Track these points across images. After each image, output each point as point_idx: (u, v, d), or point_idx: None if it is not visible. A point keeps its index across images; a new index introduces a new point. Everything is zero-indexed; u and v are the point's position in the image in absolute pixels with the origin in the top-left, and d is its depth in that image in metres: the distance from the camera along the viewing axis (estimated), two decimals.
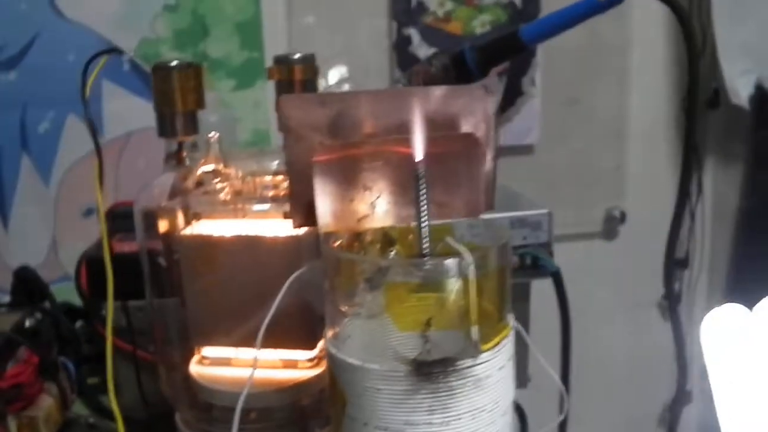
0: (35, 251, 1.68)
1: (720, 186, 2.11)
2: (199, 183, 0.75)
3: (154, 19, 1.65)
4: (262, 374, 0.74)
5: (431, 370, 0.47)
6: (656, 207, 2.01)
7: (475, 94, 0.56)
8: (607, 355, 2.13)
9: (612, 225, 2.07)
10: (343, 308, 0.52)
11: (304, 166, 0.54)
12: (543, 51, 1.88)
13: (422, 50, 1.79)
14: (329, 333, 0.54)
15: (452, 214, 0.54)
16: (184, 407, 0.80)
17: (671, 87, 2.04)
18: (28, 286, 1.26)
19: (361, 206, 0.54)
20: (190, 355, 0.81)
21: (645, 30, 1.97)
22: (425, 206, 0.49)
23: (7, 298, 1.23)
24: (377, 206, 0.54)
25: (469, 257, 0.45)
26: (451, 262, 0.46)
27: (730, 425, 0.35)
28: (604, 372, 2.13)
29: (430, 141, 0.51)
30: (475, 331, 0.47)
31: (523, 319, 1.17)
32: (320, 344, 0.77)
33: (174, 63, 0.75)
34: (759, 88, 1.87)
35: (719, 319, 0.37)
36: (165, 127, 0.76)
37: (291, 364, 0.77)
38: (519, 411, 1.20)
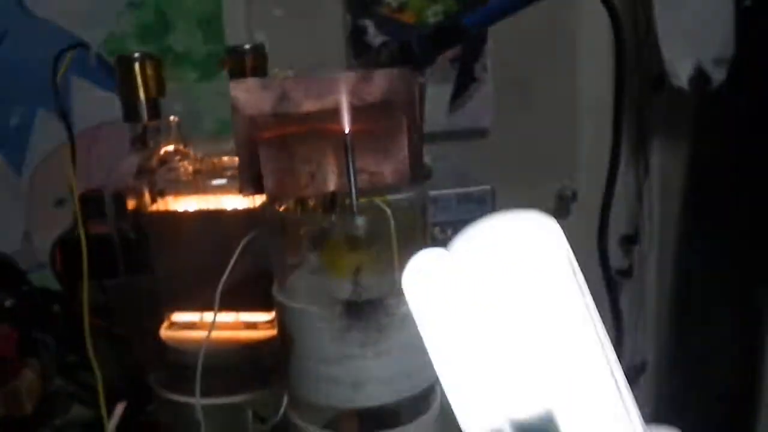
0: (9, 242, 1.73)
1: (667, 163, 2.19)
2: (163, 162, 0.83)
3: (118, 15, 1.71)
4: (225, 335, 0.82)
5: (361, 310, 0.55)
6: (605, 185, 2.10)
7: (401, 76, 0.64)
8: None
9: (564, 204, 2.15)
10: (289, 262, 0.60)
11: (250, 142, 0.62)
12: (494, 37, 1.95)
13: (377, 40, 1.86)
14: (276, 285, 0.62)
15: (382, 182, 0.62)
16: (157, 369, 0.88)
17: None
18: (4, 272, 1.32)
19: (302, 177, 0.62)
20: (161, 322, 0.88)
21: (593, 13, 2.04)
22: (354, 172, 0.57)
23: None
24: (316, 176, 0.62)
25: (388, 210, 0.53)
26: (371, 217, 0.55)
27: (444, 372, 0.30)
28: None
29: (358, 117, 0.59)
30: (398, 273, 0.55)
31: None
32: None
33: (136, 54, 0.83)
34: (698, 70, 1.95)
35: (416, 269, 0.30)
36: (130, 113, 0.84)
37: (251, 326, 0.85)
38: None
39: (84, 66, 1.68)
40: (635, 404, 0.30)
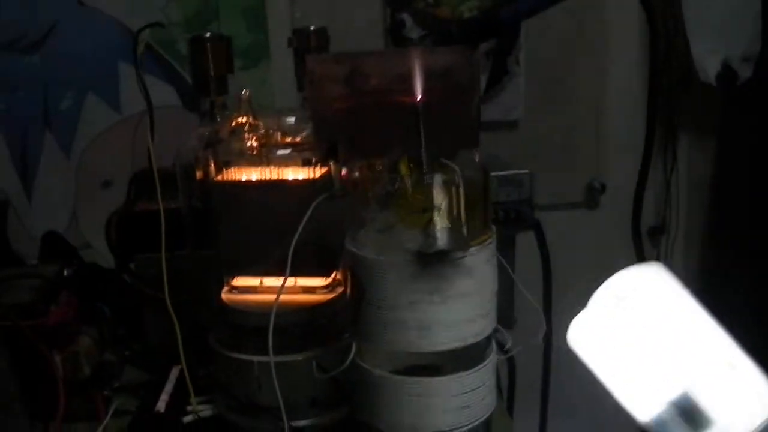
0: (57, 222, 1.77)
1: (694, 157, 2.21)
2: (232, 132, 0.88)
3: (165, 5, 1.76)
4: (285, 298, 0.87)
5: (431, 260, 0.61)
6: (635, 178, 2.13)
7: (463, 52, 0.70)
8: None
9: (593, 195, 2.18)
10: (361, 216, 0.65)
11: (325, 112, 0.68)
12: (527, 33, 1.99)
13: (415, 33, 1.89)
14: (349, 237, 0.68)
15: (445, 149, 0.67)
16: (217, 329, 0.93)
17: (647, 65, 2.14)
18: (56, 249, 1.37)
19: (372, 142, 0.68)
20: (222, 287, 0.94)
21: (623, 9, 2.07)
22: (424, 133, 0.62)
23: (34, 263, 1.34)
24: (386, 143, 0.68)
25: (457, 168, 0.59)
26: (443, 174, 0.60)
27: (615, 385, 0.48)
28: None
29: (427, 91, 0.65)
30: (464, 228, 0.61)
31: (509, 266, 1.29)
32: (334, 274, 0.90)
33: (207, 35, 0.88)
34: (725, 67, 1.97)
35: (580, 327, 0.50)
36: (200, 89, 0.89)
37: (309, 290, 0.90)
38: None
39: (132, 54, 1.73)
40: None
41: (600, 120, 2.14)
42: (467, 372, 0.67)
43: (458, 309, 0.63)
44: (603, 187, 2.15)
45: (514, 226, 1.28)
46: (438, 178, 0.61)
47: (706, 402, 0.43)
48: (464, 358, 0.68)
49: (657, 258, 2.22)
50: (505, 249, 1.35)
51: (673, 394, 0.43)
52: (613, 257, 2.16)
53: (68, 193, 1.82)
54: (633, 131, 2.17)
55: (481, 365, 0.68)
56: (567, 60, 2.07)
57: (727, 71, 1.97)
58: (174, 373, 1.03)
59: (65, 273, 1.17)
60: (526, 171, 1.29)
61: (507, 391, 1.28)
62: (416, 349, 0.64)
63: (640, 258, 1.92)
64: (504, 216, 1.26)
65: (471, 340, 0.65)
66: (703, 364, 0.44)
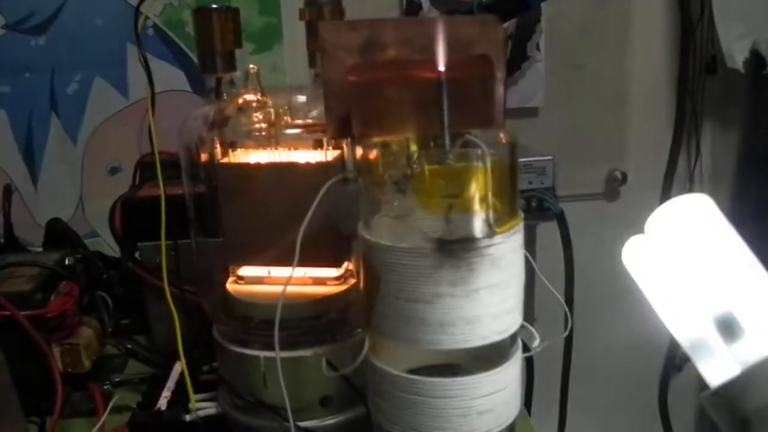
0: (63, 209, 1.75)
1: (718, 148, 2.17)
2: (240, 110, 0.83)
3: None
4: (293, 290, 0.82)
5: (453, 248, 0.55)
6: (657, 169, 2.09)
7: (487, 22, 0.64)
8: (609, 312, 2.20)
9: (614, 186, 2.14)
10: (377, 199, 0.59)
11: (338, 84, 0.62)
12: (547, 17, 1.95)
13: (433, 15, 1.85)
14: (363, 224, 0.62)
15: (469, 125, 0.62)
16: (222, 321, 0.88)
17: (670, 53, 2.10)
18: (60, 237, 1.33)
19: (389, 119, 0.62)
20: (227, 277, 0.89)
21: None
22: (447, 108, 0.56)
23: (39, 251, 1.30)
24: (404, 119, 0.62)
25: (483, 146, 0.53)
26: (470, 150, 0.54)
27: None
28: (601, 329, 2.19)
29: (449, 63, 0.59)
30: (490, 213, 0.55)
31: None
32: (346, 264, 0.85)
33: (214, 5, 0.83)
34: (754, 53, 1.92)
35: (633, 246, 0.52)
36: (206, 65, 0.84)
37: (320, 281, 0.85)
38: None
39: (142, 36, 1.69)
40: None
41: (622, 107, 2.09)
42: (490, 372, 0.61)
43: (483, 303, 0.57)
44: (624, 177, 2.11)
45: (536, 216, 1.22)
46: (462, 157, 0.55)
47: (745, 320, 0.44)
48: (487, 357, 0.62)
49: None
50: (526, 242, 1.30)
51: (715, 311, 0.45)
52: None
53: (75, 180, 1.79)
54: (656, 119, 2.15)
55: (505, 364, 0.62)
56: (588, 45, 2.03)
57: (755, 57, 1.92)
58: (177, 368, 0.99)
59: (67, 262, 1.13)
60: (550, 157, 1.24)
61: (525, 389, 1.23)
62: (436, 347, 0.58)
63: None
64: (525, 205, 1.21)
65: (496, 338, 0.59)
66: (745, 285, 0.45)
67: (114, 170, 1.76)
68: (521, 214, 0.60)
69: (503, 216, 0.58)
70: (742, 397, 0.43)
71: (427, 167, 0.57)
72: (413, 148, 0.60)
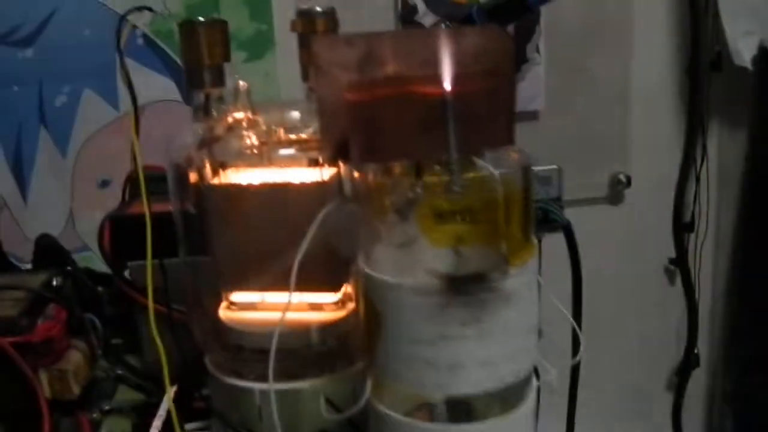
0: (53, 223, 1.72)
1: (725, 149, 2.13)
2: (229, 130, 0.78)
3: None
4: (289, 317, 0.77)
5: (462, 285, 0.50)
6: (661, 171, 2.05)
7: (494, 33, 0.59)
8: (613, 319, 2.16)
9: (618, 189, 2.10)
10: (377, 231, 0.55)
11: (334, 103, 0.57)
12: (546, 18, 1.91)
13: (428, 19, 1.81)
14: (362, 256, 0.57)
15: (478, 147, 0.57)
16: (214, 350, 0.83)
17: (673, 52, 2.06)
18: (49, 253, 1.29)
19: (390, 141, 0.57)
20: (219, 302, 0.84)
21: None
22: (453, 131, 0.52)
23: (28, 267, 1.26)
24: (407, 141, 0.57)
25: (496, 174, 0.48)
26: (480, 178, 0.49)
27: None
28: (610, 335, 2.16)
29: (455, 78, 0.54)
30: (503, 246, 0.50)
31: None
32: (344, 287, 0.80)
33: (201, 19, 0.78)
34: (762, 50, 1.89)
35: None
36: (193, 80, 0.79)
37: (317, 307, 0.80)
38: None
39: (131, 46, 1.66)
40: None
41: (625, 108, 2.06)
42: (504, 417, 0.56)
43: (496, 344, 0.52)
44: (629, 180, 2.08)
45: (541, 228, 1.17)
46: (464, 183, 0.50)
47: None
48: (499, 398, 0.57)
49: (685, 256, 2.13)
50: None
51: None
52: (640, 257, 2.09)
53: (65, 193, 1.75)
54: (660, 121, 2.11)
55: (520, 407, 0.57)
56: (589, 45, 2.00)
57: (763, 54, 1.88)
58: (170, 394, 0.94)
59: (54, 283, 1.09)
60: (555, 166, 1.18)
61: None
62: (445, 392, 0.53)
63: (679, 254, 1.84)
64: None
65: (510, 380, 0.54)
66: None
67: (105, 183, 1.72)
68: (535, 242, 0.56)
69: (516, 246, 0.53)
70: None
71: (432, 193, 0.52)
72: (417, 172, 0.56)
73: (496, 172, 0.49)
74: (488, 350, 0.52)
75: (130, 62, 1.67)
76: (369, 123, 0.56)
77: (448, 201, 0.51)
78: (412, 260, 0.54)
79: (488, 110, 0.57)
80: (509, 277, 0.51)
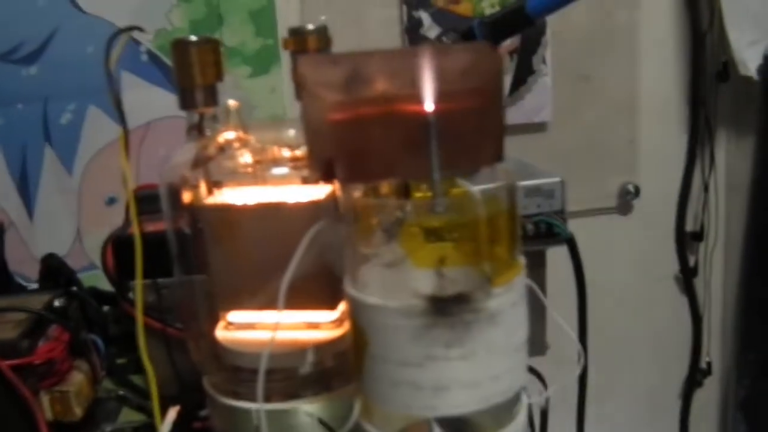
0: (60, 241, 1.72)
1: (733, 158, 2.12)
2: (221, 150, 0.78)
3: (170, 10, 1.68)
4: (286, 336, 0.77)
5: (447, 306, 0.50)
6: (670, 181, 2.04)
7: (483, 50, 0.59)
8: (624, 329, 2.15)
9: (626, 199, 2.09)
10: (363, 252, 0.54)
11: (319, 123, 0.57)
12: (552, 29, 1.90)
13: (433, 32, 1.82)
14: (349, 277, 0.56)
15: (465, 166, 0.56)
16: (212, 371, 0.83)
17: (681, 61, 2.05)
18: (55, 273, 1.29)
19: (376, 161, 0.57)
20: (216, 321, 0.84)
21: (654, 5, 1.99)
22: (436, 152, 0.51)
23: (35, 287, 1.27)
24: (393, 161, 0.56)
25: (477, 194, 0.48)
26: (461, 199, 0.49)
27: None
28: (621, 345, 2.15)
29: (441, 96, 0.53)
30: (487, 266, 0.49)
31: (539, 286, 1.19)
32: (341, 305, 0.80)
33: (193, 38, 0.78)
34: (767, 58, 1.88)
35: None
36: (186, 100, 0.79)
37: (314, 326, 0.80)
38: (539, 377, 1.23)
39: (135, 62, 1.66)
40: None
41: (632, 118, 2.06)
42: None
43: (481, 365, 0.52)
44: (637, 190, 2.07)
45: (544, 242, 1.17)
46: (446, 204, 0.50)
47: None
48: (488, 417, 0.56)
49: (695, 266, 2.12)
50: (536, 268, 1.25)
51: None
52: (649, 266, 2.08)
53: (72, 211, 1.75)
54: (668, 129, 2.10)
55: (509, 427, 0.56)
56: (596, 55, 1.99)
57: None
58: (171, 415, 0.94)
59: (57, 303, 1.09)
60: (558, 179, 1.18)
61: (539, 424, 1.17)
62: (430, 413, 0.53)
63: (684, 265, 1.84)
64: (533, 230, 1.15)
65: (496, 400, 0.54)
66: None
67: (111, 201, 1.72)
68: (522, 262, 0.55)
69: (501, 265, 0.52)
70: None
71: (416, 214, 0.52)
72: (408, 193, 0.55)
73: (477, 191, 0.48)
74: (473, 371, 0.52)
75: (134, 78, 1.68)
76: (354, 143, 0.56)
77: (432, 220, 0.51)
78: (398, 280, 0.53)
79: (476, 128, 0.57)
80: (493, 297, 0.51)
